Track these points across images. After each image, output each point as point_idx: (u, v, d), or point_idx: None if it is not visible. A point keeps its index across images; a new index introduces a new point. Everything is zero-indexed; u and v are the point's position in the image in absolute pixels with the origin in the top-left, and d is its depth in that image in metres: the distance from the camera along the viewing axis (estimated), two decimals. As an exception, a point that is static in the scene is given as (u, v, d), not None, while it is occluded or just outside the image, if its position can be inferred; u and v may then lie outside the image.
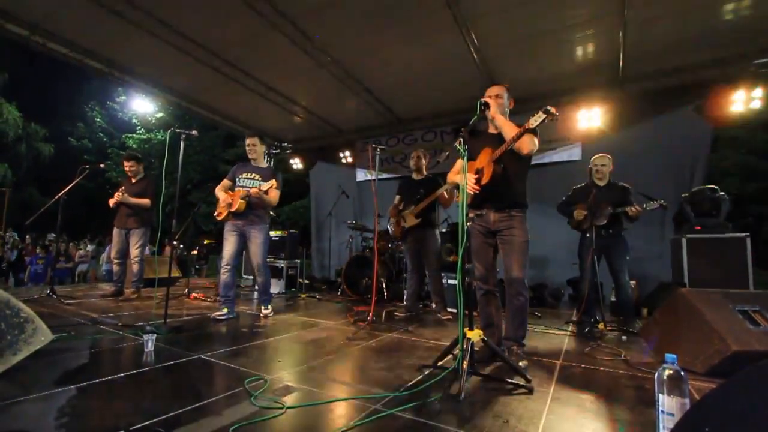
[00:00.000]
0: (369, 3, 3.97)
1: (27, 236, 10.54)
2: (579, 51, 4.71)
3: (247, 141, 3.80)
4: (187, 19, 4.41)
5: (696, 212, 4.34)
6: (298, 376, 2.05)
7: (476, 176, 2.36)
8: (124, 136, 19.42)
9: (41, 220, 4.51)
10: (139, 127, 19.07)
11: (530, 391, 1.89)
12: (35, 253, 8.79)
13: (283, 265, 5.79)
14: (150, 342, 2.39)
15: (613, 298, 4.48)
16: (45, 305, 3.85)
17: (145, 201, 4.50)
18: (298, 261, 6.16)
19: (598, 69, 5.00)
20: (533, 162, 2.57)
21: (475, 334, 1.99)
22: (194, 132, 3.15)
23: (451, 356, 2.20)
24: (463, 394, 1.74)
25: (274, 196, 3.60)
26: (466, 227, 1.99)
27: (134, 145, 18.64)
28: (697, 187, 4.57)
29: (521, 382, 1.96)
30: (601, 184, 3.81)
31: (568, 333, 3.39)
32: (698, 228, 4.22)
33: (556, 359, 2.53)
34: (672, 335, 2.53)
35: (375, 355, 2.51)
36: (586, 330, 3.34)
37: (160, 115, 18.30)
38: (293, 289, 5.86)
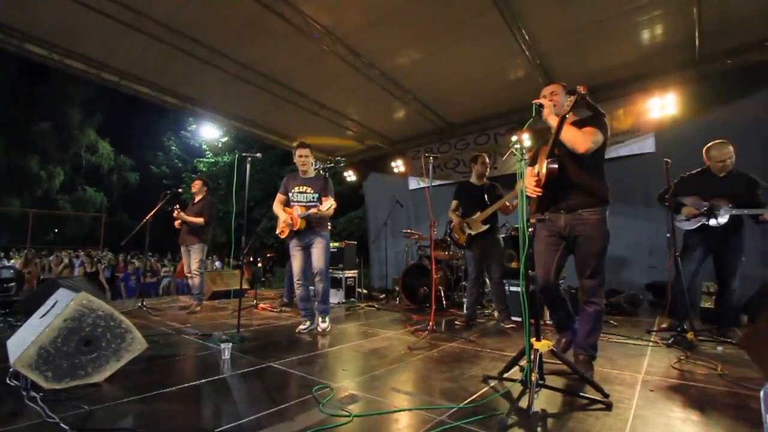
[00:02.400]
0: (414, 13, 4.02)
1: (120, 255, 11.93)
2: (645, 34, 4.35)
3: (299, 152, 3.66)
4: (244, 50, 4.80)
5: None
6: (361, 385, 2.09)
7: (536, 179, 2.26)
8: (195, 160, 21.35)
9: (132, 240, 5.10)
10: (208, 152, 20.83)
11: (608, 407, 1.74)
12: (126, 270, 9.91)
13: (342, 275, 5.95)
14: (227, 350, 2.58)
15: (706, 305, 3.98)
16: (137, 317, 4.32)
17: (199, 219, 4.78)
18: (356, 271, 6.29)
19: (670, 51, 4.57)
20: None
21: (543, 345, 1.89)
22: (258, 155, 3.38)
23: (517, 367, 2.10)
24: (533, 408, 1.65)
25: (332, 205, 3.54)
26: (528, 233, 1.91)
27: (204, 169, 20.41)
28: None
29: (598, 397, 1.82)
30: (721, 175, 3.31)
31: (651, 343, 3.08)
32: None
33: (637, 372, 2.31)
34: (781, 346, 2.20)
35: (437, 366, 2.48)
36: (673, 340, 3.01)
37: (225, 139, 19.85)
38: (352, 300, 5.99)
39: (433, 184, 4.93)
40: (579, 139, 2.13)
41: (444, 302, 5.08)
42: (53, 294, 2.30)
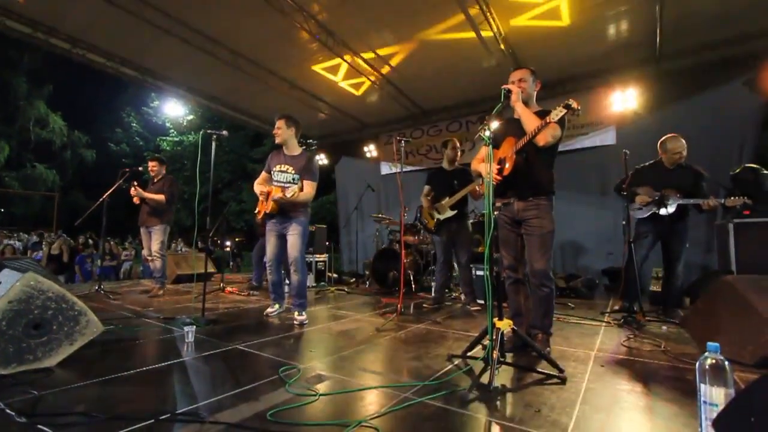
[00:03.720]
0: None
1: (79, 238, 11.28)
2: (611, 29, 4.50)
3: (276, 123, 3.41)
4: (213, 22, 4.55)
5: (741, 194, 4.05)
6: (329, 366, 2.10)
7: (499, 166, 2.32)
8: (158, 139, 20.32)
9: (88, 221, 4.80)
10: (172, 130, 19.86)
11: (563, 381, 1.85)
12: (82, 253, 9.39)
13: (312, 259, 5.91)
14: (190, 333, 2.51)
15: (654, 288, 4.28)
16: (94, 300, 4.12)
17: (160, 197, 4.56)
18: (327, 255, 6.27)
19: (633, 47, 4.75)
20: (564, 148, 2.50)
21: (505, 324, 1.97)
22: (224, 132, 3.24)
23: (480, 347, 2.19)
24: (493, 383, 1.73)
25: (307, 191, 3.33)
26: (493, 217, 1.96)
27: (168, 148, 19.47)
28: (741, 166, 4.27)
29: (554, 372, 1.92)
30: (672, 167, 3.53)
31: (604, 323, 3.28)
32: (747, 212, 3.95)
33: (590, 350, 2.46)
34: (716, 325, 2.40)
35: (404, 346, 2.54)
36: (623, 320, 3.22)
37: (191, 117, 18.99)
38: (323, 283, 5.98)
39: (405, 169, 4.94)
40: (541, 134, 2.21)
41: (413, 286, 5.17)
42: (-3, 275, 2.15)
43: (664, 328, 3.09)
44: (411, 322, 3.30)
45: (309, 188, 3.33)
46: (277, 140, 3.43)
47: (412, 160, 7.35)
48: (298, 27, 4.44)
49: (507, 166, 2.31)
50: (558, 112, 2.09)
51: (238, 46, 5.05)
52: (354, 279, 6.62)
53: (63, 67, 20.50)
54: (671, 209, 3.39)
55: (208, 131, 3.21)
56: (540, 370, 1.99)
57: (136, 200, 4.60)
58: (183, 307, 3.91)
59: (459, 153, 4.24)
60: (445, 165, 4.27)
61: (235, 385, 1.78)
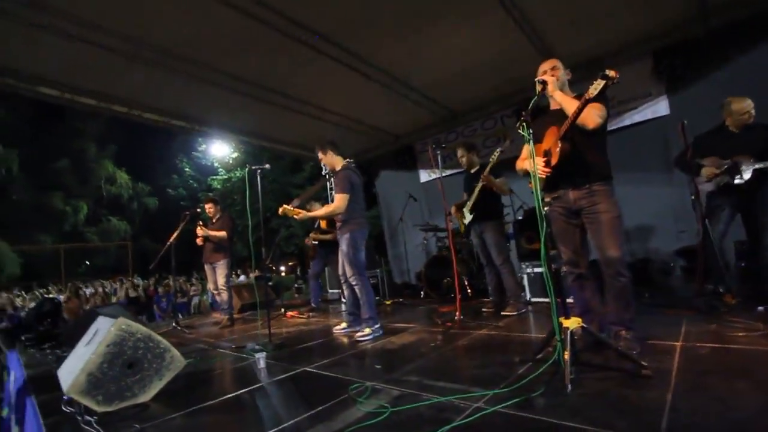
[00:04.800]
0: (400, 5, 3.99)
1: (150, 279, 12.34)
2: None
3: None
4: (241, 64, 4.85)
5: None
6: (396, 380, 2.11)
7: (545, 159, 2.23)
8: (209, 179, 21.79)
9: (159, 263, 5.26)
10: (220, 169, 21.23)
11: (646, 379, 1.72)
12: (157, 293, 10.24)
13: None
14: (261, 360, 2.64)
15: (741, 264, 3.83)
16: (173, 336, 4.46)
17: (222, 233, 5.00)
18: (378, 270, 6.33)
19: (677, 6, 4.39)
20: (613, 127, 2.35)
21: (573, 322, 1.88)
22: (267, 165, 3.46)
23: (550, 349, 2.09)
24: (569, 386, 1.65)
25: (335, 204, 3.40)
26: (544, 212, 1.90)
27: (218, 186, 20.79)
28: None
29: (635, 369, 1.79)
30: (738, 130, 3.18)
31: (687, 310, 3.00)
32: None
33: (675, 341, 2.26)
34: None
35: (468, 354, 2.49)
36: (709, 304, 2.92)
37: (235, 155, 20.19)
38: (377, 298, 6.03)
39: (444, 174, 4.91)
40: (589, 116, 2.10)
41: (469, 291, 5.07)
42: (94, 323, 2.41)
43: (761, 308, 2.77)
44: (472, 328, 3.23)
45: (337, 200, 3.41)
46: (326, 170, 3.62)
47: (450, 164, 7.28)
48: (322, 55, 4.62)
49: (553, 155, 2.22)
50: (596, 86, 1.96)
51: (267, 82, 5.34)
52: (408, 290, 6.62)
53: (123, 128, 22.88)
54: (747, 176, 3.05)
55: (253, 167, 3.43)
56: (619, 367, 1.86)
57: (199, 241, 5.01)
58: (251, 334, 4.13)
59: (469, 157, 4.17)
60: (469, 169, 4.26)
61: (309, 406, 1.85)
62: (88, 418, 1.88)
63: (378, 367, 2.44)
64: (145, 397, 2.11)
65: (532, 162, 2.01)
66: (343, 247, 3.41)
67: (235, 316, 5.35)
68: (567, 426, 1.39)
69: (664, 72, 4.88)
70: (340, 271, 3.56)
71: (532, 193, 1.98)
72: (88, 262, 24.52)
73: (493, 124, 6.78)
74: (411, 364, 2.40)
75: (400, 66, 5.24)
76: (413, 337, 3.21)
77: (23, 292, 13.27)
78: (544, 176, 2.19)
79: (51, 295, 10.75)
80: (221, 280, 4.96)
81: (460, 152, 4.21)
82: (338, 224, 3.50)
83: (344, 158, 3.75)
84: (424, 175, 7.82)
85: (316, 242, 5.70)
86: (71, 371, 2.03)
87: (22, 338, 4.86)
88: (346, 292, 3.64)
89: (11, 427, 3.41)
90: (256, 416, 1.86)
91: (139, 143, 27.24)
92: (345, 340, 3.39)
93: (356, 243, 3.43)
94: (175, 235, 4.96)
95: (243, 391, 2.21)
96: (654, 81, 5.04)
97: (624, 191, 2.25)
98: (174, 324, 5.11)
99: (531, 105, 2.01)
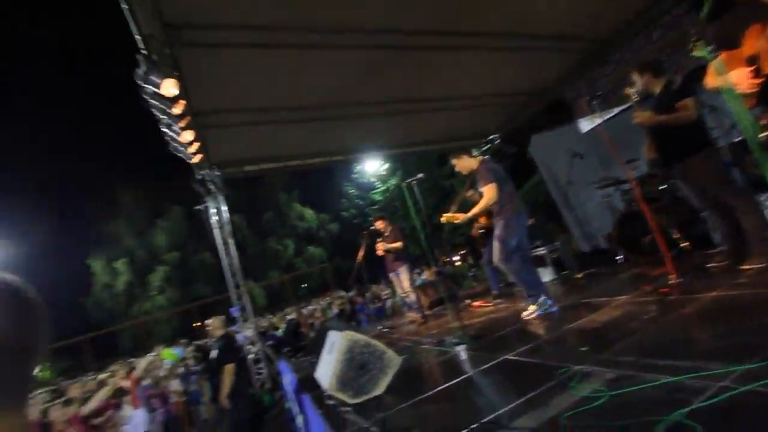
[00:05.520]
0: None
1: (350, 292, 14.62)
2: None
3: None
4: (377, 89, 5.29)
5: None
6: (607, 361, 1.97)
7: (751, 67, 1.70)
8: (369, 194, 24.36)
9: (354, 278, 6.25)
10: (377, 182, 23.44)
11: None
12: (360, 303, 12.04)
13: (543, 251, 5.65)
14: (462, 352, 2.85)
15: None
16: (381, 338, 5.20)
17: (398, 244, 5.63)
18: (557, 243, 5.88)
19: None
20: None
21: None
22: (420, 175, 3.76)
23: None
24: None
25: (486, 197, 3.46)
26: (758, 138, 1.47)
27: (379, 198, 22.99)
28: None
29: None
30: None
31: None
32: None
33: None
34: None
35: (697, 324, 2.10)
36: None
37: (386, 166, 21.97)
38: (565, 272, 5.59)
39: (607, 116, 4.20)
40: None
41: (683, 244, 4.17)
42: (327, 336, 3.08)
43: None
44: (697, 291, 2.68)
45: (486, 192, 3.47)
46: (463, 172, 3.86)
47: (614, 100, 6.16)
48: (448, 50, 4.66)
49: (764, 60, 1.68)
50: None
51: (403, 93, 5.63)
52: (599, 257, 5.89)
53: (297, 174, 28.07)
54: None
55: (406, 181, 3.75)
56: None
57: (380, 251, 5.74)
58: (446, 329, 4.44)
59: (646, 81, 3.17)
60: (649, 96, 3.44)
61: (518, 394, 1.91)
62: (346, 408, 2.43)
63: (583, 349, 2.31)
64: (378, 391, 2.57)
65: (734, 75, 1.57)
66: (496, 231, 3.49)
67: (427, 313, 5.85)
68: None
69: None
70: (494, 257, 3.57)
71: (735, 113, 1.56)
72: (303, 285, 30.69)
73: (663, 33, 5.43)
74: (622, 343, 2.18)
75: (523, 23, 4.81)
76: (618, 311, 2.88)
77: (272, 316, 17.59)
78: (752, 90, 1.68)
79: (290, 317, 13.92)
80: (406, 284, 5.54)
81: (634, 76, 3.38)
82: (495, 214, 3.56)
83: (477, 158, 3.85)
84: (585, 125, 6.84)
85: (483, 230, 5.72)
86: (325, 374, 2.66)
87: (284, 350, 6.51)
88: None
89: (295, 416, 4.64)
90: (472, 404, 2.04)
91: (312, 181, 32.82)
92: (538, 324, 3.30)
93: (509, 228, 3.45)
94: (361, 253, 5.81)
95: (454, 382, 2.44)
96: None
97: None
98: (379, 327, 5.95)
99: (704, 12, 1.59)
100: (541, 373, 2.08)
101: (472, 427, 1.67)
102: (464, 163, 3.81)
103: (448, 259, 10.79)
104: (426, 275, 11.81)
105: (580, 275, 4.96)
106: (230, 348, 4.73)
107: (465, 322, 3.81)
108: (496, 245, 3.46)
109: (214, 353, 5.23)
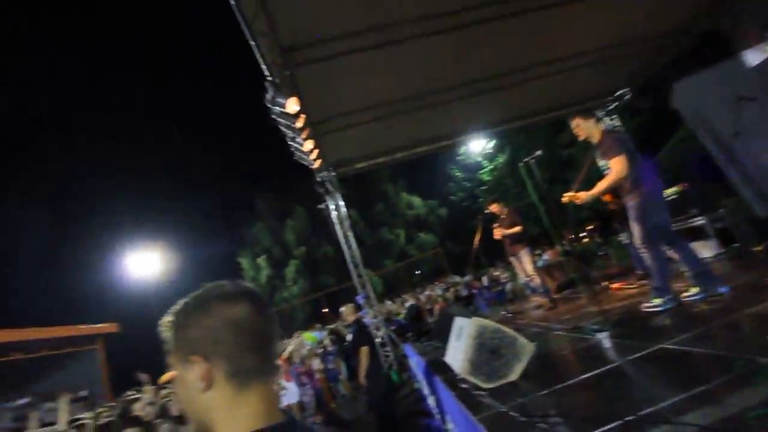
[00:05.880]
0: None
1: (466, 277, 14.46)
2: None
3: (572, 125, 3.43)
4: (475, 65, 5.08)
5: None
6: (812, 354, 1.60)
7: None
8: (477, 173, 23.48)
9: (472, 262, 6.17)
10: (484, 162, 22.48)
11: None
12: (478, 287, 11.84)
13: (702, 221, 4.73)
14: (605, 339, 2.62)
15: None
16: (507, 322, 5.05)
17: (517, 228, 5.36)
18: (722, 210, 4.86)
19: None
20: None
21: None
22: (538, 152, 3.51)
23: None
24: None
25: (615, 170, 3.01)
26: None
27: (488, 178, 22.03)
28: None
29: None
30: None
31: None
32: None
33: None
34: None
35: None
36: None
37: (492, 143, 20.92)
38: (734, 245, 4.58)
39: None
40: None
41: None
42: (452, 322, 3.15)
43: None
44: None
45: (615, 166, 3.02)
46: (580, 139, 3.40)
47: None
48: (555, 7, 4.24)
49: None
50: None
51: (508, 65, 5.29)
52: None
53: (403, 164, 28.77)
54: None
55: (524, 160, 3.55)
56: None
57: (497, 235, 5.56)
58: (581, 313, 4.09)
59: None
60: None
61: (682, 387, 1.69)
62: (481, 392, 2.47)
63: (771, 337, 1.91)
64: (513, 377, 2.54)
65: None
66: (632, 212, 3.07)
67: (555, 296, 5.47)
68: None
69: None
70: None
71: None
72: (417, 272, 31.45)
73: None
74: (833, 330, 1.74)
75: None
76: (821, 290, 2.28)
77: (391, 302, 18.52)
78: None
79: (409, 302, 14.49)
80: (529, 267, 5.27)
81: None
82: (626, 192, 3.09)
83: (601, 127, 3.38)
84: (755, 57, 5.39)
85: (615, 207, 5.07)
86: (456, 359, 2.74)
87: (407, 335, 6.85)
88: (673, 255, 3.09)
89: (426, 395, 4.87)
90: (623, 396, 1.88)
91: (417, 169, 33.21)
92: (702, 308, 2.82)
93: (645, 209, 3.01)
94: (478, 237, 5.71)
95: (600, 370, 2.26)
96: None
97: None
98: (503, 312, 5.79)
99: None
100: (710, 366, 1.81)
101: (627, 419, 1.55)
102: (586, 127, 3.34)
103: (573, 237, 9.79)
104: (548, 256, 11.06)
105: (759, 247, 4.01)
106: (363, 332, 5.19)
107: (604, 306, 3.47)
108: (634, 227, 3.08)
109: (349, 336, 5.82)
